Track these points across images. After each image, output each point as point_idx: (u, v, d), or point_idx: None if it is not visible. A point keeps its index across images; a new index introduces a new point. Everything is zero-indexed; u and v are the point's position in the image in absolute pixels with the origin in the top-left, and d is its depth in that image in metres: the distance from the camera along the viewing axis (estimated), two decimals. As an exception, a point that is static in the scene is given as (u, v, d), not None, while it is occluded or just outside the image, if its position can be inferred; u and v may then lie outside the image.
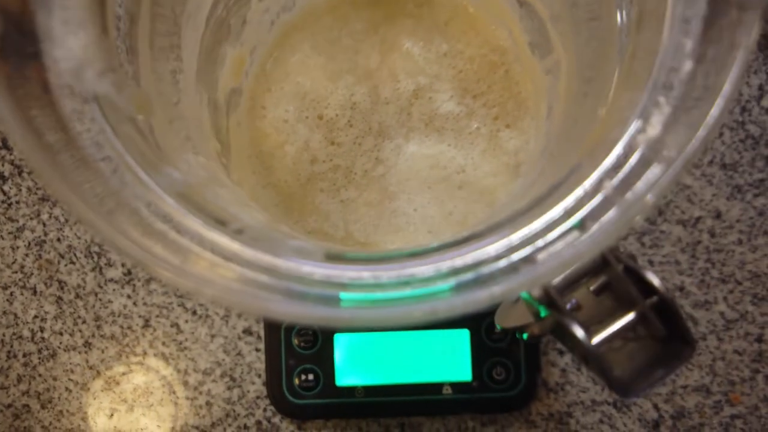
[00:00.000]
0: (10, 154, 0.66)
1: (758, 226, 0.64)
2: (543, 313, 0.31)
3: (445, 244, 0.29)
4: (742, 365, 0.64)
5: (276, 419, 0.65)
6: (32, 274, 0.66)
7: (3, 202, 0.66)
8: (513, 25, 0.52)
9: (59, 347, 0.66)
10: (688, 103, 0.27)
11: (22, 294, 0.66)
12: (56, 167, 0.26)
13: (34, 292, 0.66)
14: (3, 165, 0.66)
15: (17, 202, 0.66)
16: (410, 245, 0.48)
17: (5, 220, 0.66)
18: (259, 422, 0.65)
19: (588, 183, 0.28)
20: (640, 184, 0.27)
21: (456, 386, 0.61)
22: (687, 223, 0.65)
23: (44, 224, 0.66)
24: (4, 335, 0.66)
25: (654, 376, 0.29)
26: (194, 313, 0.65)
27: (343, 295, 0.28)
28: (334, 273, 0.28)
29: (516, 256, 0.27)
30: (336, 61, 0.54)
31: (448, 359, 0.61)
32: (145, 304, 0.65)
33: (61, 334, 0.66)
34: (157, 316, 0.65)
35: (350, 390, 0.61)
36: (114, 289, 0.66)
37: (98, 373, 0.66)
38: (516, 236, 0.28)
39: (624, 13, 0.34)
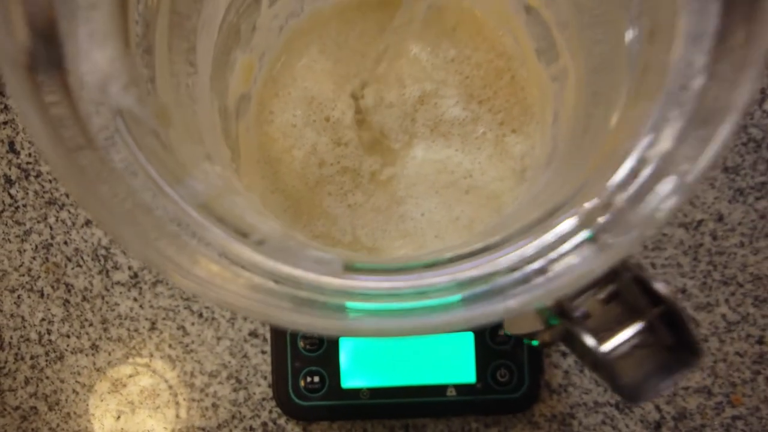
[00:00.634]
0: (17, 158, 0.67)
1: (760, 229, 0.65)
2: (554, 321, 0.32)
3: (460, 254, 0.30)
4: (744, 367, 0.65)
5: (281, 421, 0.66)
6: (39, 277, 0.67)
7: (10, 205, 0.67)
8: (519, 32, 0.53)
9: (66, 350, 0.66)
10: (700, 117, 0.28)
11: (29, 297, 0.67)
12: (86, 183, 0.27)
13: (42, 295, 0.67)
14: (10, 169, 0.67)
15: (24, 206, 0.67)
16: (419, 251, 0.49)
17: (12, 223, 0.67)
18: (264, 424, 0.66)
19: (601, 196, 0.29)
20: (652, 199, 0.28)
21: (460, 388, 0.62)
22: (689, 226, 0.66)
23: (51, 227, 0.67)
24: (11, 338, 0.66)
25: (661, 383, 0.30)
26: (200, 315, 0.66)
27: (352, 304, 0.29)
28: (352, 284, 0.29)
29: (530, 268, 0.28)
30: (343, 65, 0.54)
31: (453, 361, 0.62)
32: (151, 306, 0.66)
33: (68, 336, 0.66)
34: (164, 319, 0.66)
35: (355, 392, 0.62)
36: (121, 292, 0.66)
37: (105, 375, 0.66)
38: (529, 248, 0.29)
39: (633, 24, 0.35)
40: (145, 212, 0.28)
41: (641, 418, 0.65)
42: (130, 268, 0.66)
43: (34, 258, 0.67)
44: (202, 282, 0.28)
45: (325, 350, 0.62)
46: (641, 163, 0.29)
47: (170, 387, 0.66)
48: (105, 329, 0.66)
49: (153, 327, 0.66)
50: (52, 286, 0.67)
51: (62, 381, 0.66)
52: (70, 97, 0.28)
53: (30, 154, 0.67)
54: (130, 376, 0.66)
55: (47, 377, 0.66)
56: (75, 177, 0.27)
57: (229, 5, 0.45)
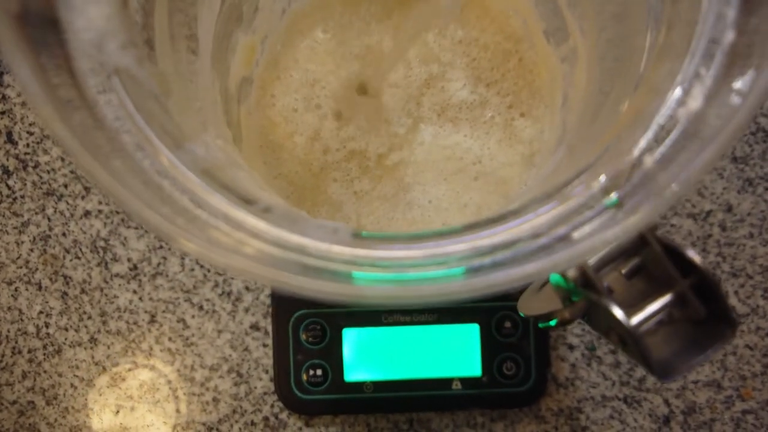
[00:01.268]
0: (15, 148, 0.65)
1: (769, 220, 0.63)
2: (575, 296, 0.30)
3: (477, 222, 0.28)
4: (754, 360, 0.63)
5: (283, 415, 0.64)
6: (37, 269, 0.65)
7: (8, 196, 0.65)
8: (528, 13, 0.51)
9: (64, 343, 0.64)
10: (731, 74, 0.26)
11: (27, 289, 0.65)
12: (78, 137, 0.25)
13: (39, 288, 0.65)
14: (8, 159, 0.65)
15: (22, 197, 0.65)
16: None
17: (10, 214, 0.65)
18: (266, 418, 0.64)
19: (627, 158, 0.27)
20: (682, 160, 0.25)
21: (465, 381, 0.60)
22: (697, 216, 0.64)
23: (49, 219, 0.65)
24: (8, 331, 0.64)
25: (694, 358, 0.28)
26: (201, 308, 0.64)
27: (362, 274, 0.27)
28: (363, 252, 0.27)
29: (554, 234, 0.26)
30: (347, 45, 0.53)
31: (458, 354, 0.60)
32: (151, 299, 0.64)
33: (66, 329, 0.64)
34: (164, 312, 0.64)
35: (359, 385, 0.60)
36: (120, 284, 0.64)
37: (104, 369, 0.64)
38: (552, 214, 0.27)
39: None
40: (143, 176, 0.26)
41: (650, 411, 0.63)
42: (129, 260, 0.64)
43: (31, 250, 0.65)
44: (208, 247, 0.26)
45: (328, 343, 0.60)
46: (670, 122, 0.27)
47: (170, 381, 0.64)
48: (104, 322, 0.64)
49: (153, 320, 0.64)
50: (50, 279, 0.65)
51: (60, 375, 0.64)
52: (64, 52, 0.26)
53: (28, 145, 0.65)
54: (130, 370, 0.64)
55: (45, 371, 0.64)
56: (69, 135, 0.25)
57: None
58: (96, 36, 0.27)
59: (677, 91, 0.27)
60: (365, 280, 0.26)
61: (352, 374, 0.60)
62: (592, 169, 0.28)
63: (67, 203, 0.65)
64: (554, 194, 0.28)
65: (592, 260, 0.28)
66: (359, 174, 0.50)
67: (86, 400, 0.64)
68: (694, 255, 0.28)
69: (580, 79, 0.46)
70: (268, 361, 0.64)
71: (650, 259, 0.29)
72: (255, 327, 0.64)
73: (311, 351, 0.60)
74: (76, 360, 0.64)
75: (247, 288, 0.64)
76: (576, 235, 0.26)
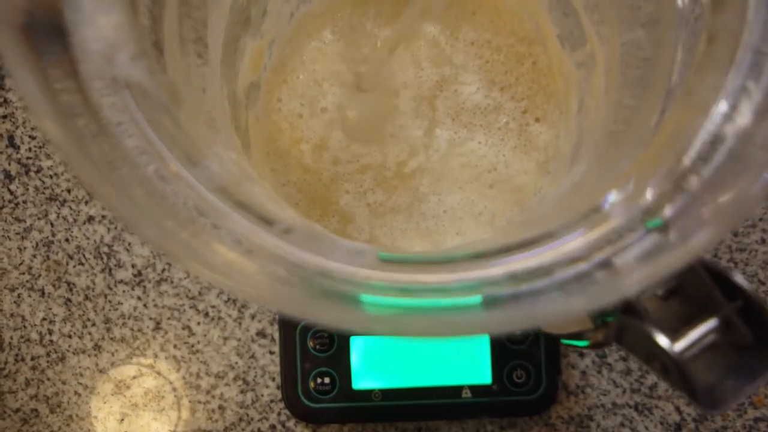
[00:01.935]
0: (17, 153, 0.63)
1: (782, 225, 0.62)
2: (609, 318, 0.28)
3: (511, 244, 0.26)
4: (766, 367, 0.62)
5: (290, 423, 0.62)
6: (40, 275, 0.63)
7: (10, 201, 0.63)
8: (540, 17, 0.49)
9: (68, 350, 0.63)
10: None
11: (29, 296, 0.63)
12: (87, 155, 0.23)
13: (42, 294, 0.63)
14: (10, 164, 0.63)
15: (24, 202, 0.63)
16: (441, 248, 0.45)
17: (12, 220, 0.63)
18: (273, 426, 0.62)
19: (669, 178, 0.25)
20: (734, 183, 0.23)
21: (475, 389, 0.59)
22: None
23: (52, 224, 0.63)
24: (11, 338, 0.63)
25: (743, 387, 0.26)
26: (206, 315, 0.62)
27: (389, 300, 0.25)
28: (392, 276, 0.25)
29: (594, 260, 0.24)
30: (355, 46, 0.51)
31: (468, 362, 0.59)
32: (156, 306, 0.62)
33: (69, 336, 0.63)
34: (169, 319, 0.62)
35: (367, 393, 0.59)
36: (124, 291, 0.63)
37: (108, 376, 0.62)
38: (590, 237, 0.25)
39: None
40: (156, 196, 0.24)
41: (661, 419, 0.62)
42: (133, 266, 0.63)
43: (34, 256, 0.63)
44: (219, 270, 0.24)
45: (336, 350, 0.58)
46: (717, 140, 0.24)
47: (175, 389, 0.62)
48: (108, 329, 0.62)
49: (157, 327, 0.62)
50: (54, 285, 0.63)
51: (64, 382, 0.63)
52: (72, 66, 0.24)
53: (30, 149, 0.63)
54: (134, 377, 0.62)
55: (48, 378, 0.63)
56: (79, 157, 0.23)
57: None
58: (106, 47, 0.25)
59: (723, 107, 0.25)
60: (390, 308, 0.24)
61: (361, 382, 0.58)
62: (630, 187, 0.26)
63: (70, 208, 0.63)
64: (590, 214, 0.26)
65: (630, 283, 0.26)
66: (373, 186, 0.48)
67: (90, 407, 0.62)
68: (741, 279, 0.26)
69: (597, 85, 0.44)
70: (275, 369, 0.62)
71: (691, 282, 0.27)
72: (261, 334, 0.62)
73: (319, 359, 0.59)
74: (80, 367, 0.62)
75: (253, 294, 0.62)
76: (618, 261, 0.24)
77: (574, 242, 0.25)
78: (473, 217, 0.48)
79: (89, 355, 0.62)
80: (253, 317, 0.62)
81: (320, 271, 0.25)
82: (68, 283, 0.63)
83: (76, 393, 0.62)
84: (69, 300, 0.63)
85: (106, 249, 0.63)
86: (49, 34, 0.24)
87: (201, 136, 0.31)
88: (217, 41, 0.40)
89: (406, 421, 0.62)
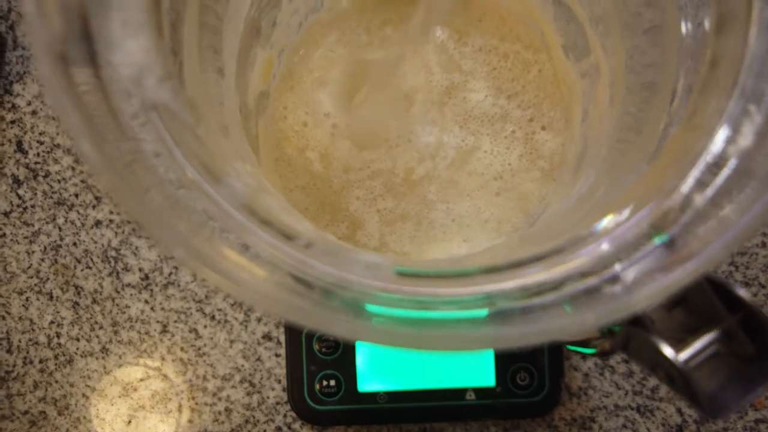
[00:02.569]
0: (25, 158, 0.64)
1: (783, 230, 0.63)
2: (616, 327, 0.30)
3: (523, 259, 0.27)
4: (767, 369, 0.63)
5: (296, 425, 0.63)
6: (48, 279, 0.64)
7: (18, 206, 0.64)
8: (545, 26, 0.50)
9: (76, 353, 0.64)
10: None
11: (38, 299, 0.64)
12: (121, 176, 0.24)
13: (51, 297, 0.64)
14: (18, 169, 0.64)
15: (32, 206, 0.64)
16: (446, 254, 0.47)
17: (20, 224, 0.64)
18: (279, 428, 0.63)
19: (675, 196, 0.26)
20: (739, 200, 0.25)
21: (479, 392, 0.60)
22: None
23: (60, 228, 0.64)
24: (20, 341, 0.64)
25: (745, 396, 0.28)
26: (213, 318, 0.64)
27: (403, 312, 0.26)
28: (408, 290, 0.26)
29: (605, 274, 0.26)
30: (362, 53, 0.52)
31: (472, 364, 0.60)
32: (162, 309, 0.64)
33: (77, 339, 0.64)
34: (175, 322, 0.64)
35: (372, 396, 0.60)
36: (131, 294, 0.64)
37: (116, 379, 0.64)
38: (601, 252, 0.26)
39: (689, 18, 0.32)
40: (185, 213, 0.26)
41: (663, 421, 0.63)
42: (140, 269, 0.64)
43: (42, 259, 0.64)
44: (236, 282, 0.25)
45: (342, 353, 0.60)
46: (720, 160, 0.26)
47: (182, 391, 0.63)
48: (115, 332, 0.64)
49: (164, 330, 0.64)
50: (62, 288, 0.64)
51: (72, 385, 0.64)
52: (103, 89, 0.26)
53: (38, 154, 0.64)
54: (141, 379, 0.64)
55: (56, 381, 0.64)
56: (113, 176, 0.24)
57: (253, -1, 0.42)
58: (135, 71, 0.26)
59: (725, 129, 0.26)
60: (401, 321, 0.26)
61: (366, 385, 0.60)
62: (636, 205, 0.27)
63: (78, 213, 0.64)
64: (598, 229, 0.27)
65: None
66: (383, 192, 0.50)
67: (98, 410, 0.64)
68: (742, 292, 0.28)
69: (602, 96, 0.45)
70: (281, 371, 0.63)
71: (695, 294, 0.28)
72: (267, 337, 0.63)
73: (325, 361, 0.60)
74: (87, 370, 0.64)
75: (259, 298, 0.63)
76: (627, 276, 0.25)
77: (583, 257, 0.26)
78: (480, 224, 0.50)
79: (97, 358, 0.64)
80: (259, 320, 0.63)
81: (339, 283, 0.26)
82: (76, 287, 0.64)
83: (83, 395, 0.64)
84: (77, 303, 0.64)
85: (113, 253, 0.64)
86: (82, 60, 0.25)
87: (220, 150, 0.32)
88: (232, 53, 0.41)
89: (410, 423, 0.63)
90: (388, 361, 0.60)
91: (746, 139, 0.26)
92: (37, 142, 0.65)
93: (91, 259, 0.64)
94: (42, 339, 0.64)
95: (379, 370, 0.60)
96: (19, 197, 0.64)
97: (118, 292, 0.64)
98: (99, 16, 0.26)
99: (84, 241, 0.64)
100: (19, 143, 0.65)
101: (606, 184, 0.36)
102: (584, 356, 0.63)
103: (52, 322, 0.64)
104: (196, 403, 0.63)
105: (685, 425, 0.63)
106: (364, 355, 0.60)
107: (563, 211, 0.40)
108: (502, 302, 0.25)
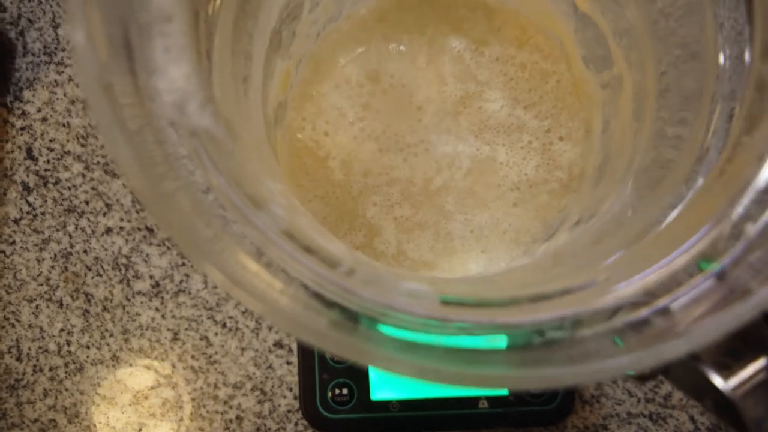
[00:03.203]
0: (35, 165, 0.64)
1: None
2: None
3: (570, 287, 0.27)
4: (779, 377, 0.63)
5: (308, 433, 0.63)
6: (58, 286, 0.64)
7: (28, 213, 0.64)
8: (566, 37, 0.50)
9: (86, 361, 0.64)
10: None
11: (48, 307, 0.64)
12: (168, 203, 0.24)
13: (60, 305, 0.64)
14: (28, 176, 0.64)
15: (42, 214, 0.64)
16: (465, 266, 0.46)
17: (30, 231, 0.64)
18: (291, 436, 0.63)
19: (724, 225, 0.26)
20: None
21: (492, 400, 0.60)
22: None
23: (70, 236, 0.64)
24: (30, 349, 0.64)
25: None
26: (224, 325, 0.63)
27: (421, 336, 0.26)
28: (455, 318, 0.26)
29: (655, 306, 0.25)
30: (380, 62, 0.52)
31: (485, 373, 0.60)
32: (173, 316, 0.63)
33: (88, 347, 0.64)
34: (186, 329, 0.63)
35: (385, 404, 0.60)
36: (142, 302, 0.64)
37: (126, 387, 0.63)
38: (649, 281, 0.26)
39: (727, 42, 0.32)
40: (230, 239, 0.26)
41: (675, 428, 0.63)
42: (151, 277, 0.64)
43: (52, 267, 0.64)
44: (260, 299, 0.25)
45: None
46: (771, 190, 0.26)
47: (193, 399, 0.63)
48: (126, 340, 0.64)
49: (175, 337, 0.63)
50: (72, 296, 0.64)
51: (82, 393, 0.64)
52: (147, 118, 0.25)
53: (48, 161, 0.64)
54: (152, 387, 0.63)
55: (66, 389, 0.64)
56: (162, 205, 0.24)
57: (280, 10, 0.42)
58: (178, 98, 0.26)
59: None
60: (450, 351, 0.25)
61: (379, 393, 0.60)
62: (684, 234, 0.27)
63: (89, 220, 0.64)
64: (644, 258, 0.27)
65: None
66: (400, 200, 0.49)
67: (108, 418, 0.63)
68: (792, 320, 0.27)
69: (624, 108, 0.45)
70: (292, 379, 0.63)
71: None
72: (278, 345, 0.63)
73: (337, 370, 0.60)
74: (98, 378, 0.63)
75: (271, 305, 0.63)
76: (677, 309, 0.25)
77: (631, 287, 0.26)
78: (498, 236, 0.49)
79: (107, 366, 0.63)
80: (270, 328, 0.63)
81: (383, 311, 0.26)
82: (86, 294, 0.64)
83: (94, 403, 0.63)
84: (87, 311, 0.64)
85: (124, 260, 0.64)
86: (127, 86, 0.25)
87: (254, 170, 0.32)
88: (259, 67, 0.41)
89: (423, 432, 0.63)
90: (401, 369, 0.59)
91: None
92: (47, 149, 0.64)
93: (102, 267, 0.64)
94: (52, 347, 0.64)
95: (391, 378, 0.60)
96: (29, 204, 0.64)
97: (128, 300, 0.64)
98: (142, 45, 0.26)
99: (94, 249, 0.64)
100: (29, 150, 0.64)
101: (637, 205, 0.35)
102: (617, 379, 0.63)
103: (62, 330, 0.64)
104: (207, 411, 0.63)
105: (697, 433, 0.63)
106: (376, 364, 0.59)
107: (592, 231, 0.40)
108: (551, 333, 0.25)
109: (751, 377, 0.27)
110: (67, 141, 0.64)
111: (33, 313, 0.64)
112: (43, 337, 0.64)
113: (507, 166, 0.50)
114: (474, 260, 0.50)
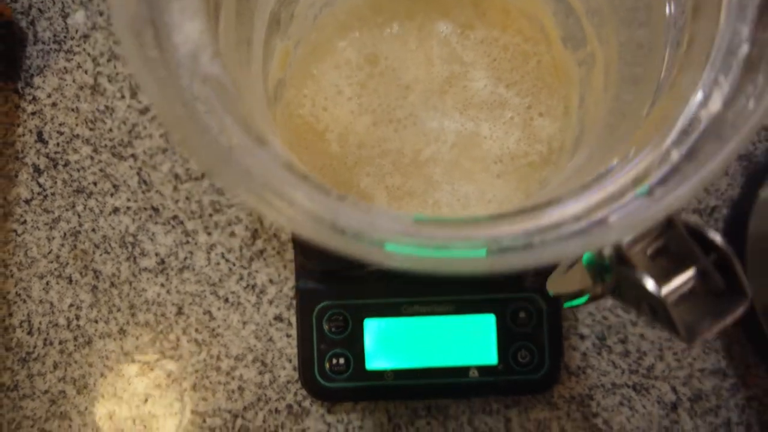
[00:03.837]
0: (45, 147, 0.70)
1: (771, 215, 0.68)
2: (608, 273, 0.36)
3: (524, 208, 0.33)
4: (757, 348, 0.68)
5: (306, 403, 0.68)
6: (68, 263, 0.69)
7: (39, 194, 0.70)
8: (545, 19, 0.56)
9: (94, 334, 0.69)
10: (746, 81, 0.32)
11: (57, 283, 0.69)
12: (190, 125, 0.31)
13: (70, 281, 0.69)
14: (38, 158, 0.70)
15: (53, 194, 0.69)
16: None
17: (41, 211, 0.69)
18: (289, 406, 0.68)
19: (656, 153, 0.32)
20: (705, 154, 0.31)
21: (482, 369, 0.65)
22: (703, 212, 0.69)
23: (79, 215, 0.69)
24: (40, 323, 0.69)
25: (714, 324, 0.33)
26: (226, 300, 0.69)
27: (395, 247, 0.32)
28: (425, 234, 0.32)
29: (593, 217, 0.31)
30: (374, 45, 0.57)
31: (475, 343, 0.65)
32: (178, 292, 0.69)
33: (96, 321, 0.69)
34: (190, 304, 0.69)
35: (380, 373, 0.65)
36: (148, 278, 0.69)
37: (133, 359, 0.69)
38: (591, 200, 0.32)
39: (673, 4, 0.38)
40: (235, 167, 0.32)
41: (658, 398, 0.68)
42: (157, 254, 0.69)
43: (62, 245, 0.69)
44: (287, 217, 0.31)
45: (350, 333, 0.64)
46: (693, 122, 0.32)
47: (197, 371, 0.68)
48: (132, 314, 0.69)
49: (180, 312, 0.69)
50: (81, 273, 0.69)
51: (90, 365, 0.69)
52: (167, 62, 0.31)
53: (58, 144, 0.70)
54: (158, 360, 0.69)
55: (75, 361, 0.69)
56: (181, 124, 0.30)
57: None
58: (192, 49, 0.32)
59: (699, 96, 0.32)
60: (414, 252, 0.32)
61: (374, 363, 0.65)
62: (623, 164, 0.33)
63: (97, 200, 0.69)
64: (591, 185, 0.33)
65: (625, 240, 0.34)
66: (392, 170, 0.55)
67: (115, 389, 0.69)
68: (715, 235, 0.34)
69: (597, 82, 0.51)
70: (292, 351, 0.68)
71: (674, 240, 0.34)
72: (279, 318, 0.69)
73: (334, 340, 0.65)
74: (105, 351, 0.69)
75: (270, 281, 0.69)
76: (612, 219, 0.31)
77: (576, 205, 0.32)
78: (483, 205, 0.55)
79: (114, 339, 0.69)
80: (270, 302, 0.69)
81: (367, 228, 0.32)
82: (94, 271, 0.69)
83: (101, 375, 0.69)
84: (95, 287, 0.69)
85: (130, 239, 0.69)
86: (152, 37, 0.31)
87: (257, 117, 0.38)
88: (258, 44, 0.47)
89: (416, 400, 0.68)
90: (395, 340, 0.65)
91: (715, 104, 0.32)
92: (57, 132, 0.70)
93: (109, 245, 0.69)
94: (62, 321, 0.69)
95: (386, 348, 0.65)
96: (40, 185, 0.70)
97: (135, 276, 0.69)
98: (161, 6, 0.32)
99: (102, 228, 0.69)
100: (40, 134, 0.70)
101: (597, 157, 0.42)
102: (582, 336, 0.68)
103: (71, 305, 0.69)
104: (210, 382, 0.68)
105: (679, 402, 0.68)
106: (372, 335, 0.65)
107: (559, 182, 0.46)
108: (507, 242, 0.31)
109: (682, 285, 0.34)
110: (76, 125, 0.70)
111: (43, 289, 0.69)
112: (53, 312, 0.69)
113: (490, 140, 0.56)
114: (461, 227, 0.55)
